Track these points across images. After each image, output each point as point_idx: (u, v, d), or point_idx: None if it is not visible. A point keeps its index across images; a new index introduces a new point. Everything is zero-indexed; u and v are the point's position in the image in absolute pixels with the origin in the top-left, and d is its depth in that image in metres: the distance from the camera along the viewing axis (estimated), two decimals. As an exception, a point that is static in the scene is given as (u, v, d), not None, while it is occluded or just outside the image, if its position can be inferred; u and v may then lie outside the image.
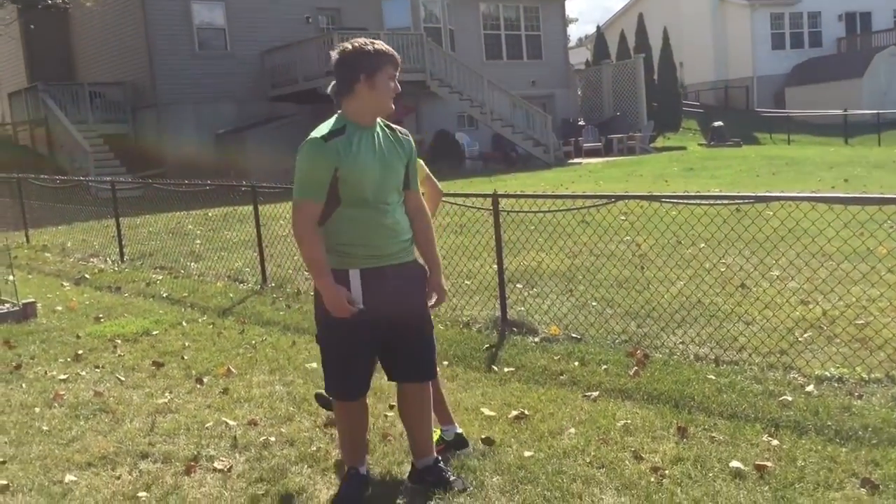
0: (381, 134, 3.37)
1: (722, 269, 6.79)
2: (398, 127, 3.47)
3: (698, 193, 6.36)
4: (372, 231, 3.30)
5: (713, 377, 4.68)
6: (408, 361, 3.49)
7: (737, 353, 5.09)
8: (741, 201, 5.86)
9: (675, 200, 5.75)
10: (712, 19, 37.93)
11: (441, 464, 3.59)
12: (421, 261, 3.54)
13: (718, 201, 5.97)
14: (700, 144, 29.39)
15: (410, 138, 3.50)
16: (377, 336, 3.39)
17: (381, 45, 3.32)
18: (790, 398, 4.28)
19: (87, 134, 20.72)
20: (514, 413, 4.31)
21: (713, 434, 3.92)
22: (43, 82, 21.98)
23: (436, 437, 3.81)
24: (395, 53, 3.34)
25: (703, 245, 7.09)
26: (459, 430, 3.95)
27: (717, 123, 30.09)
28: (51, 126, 21.30)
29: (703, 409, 4.26)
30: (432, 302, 3.53)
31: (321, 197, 3.26)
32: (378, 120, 3.39)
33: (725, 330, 5.47)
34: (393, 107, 3.36)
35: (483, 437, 4.01)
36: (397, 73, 3.33)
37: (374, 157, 3.28)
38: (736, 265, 6.56)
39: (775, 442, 3.78)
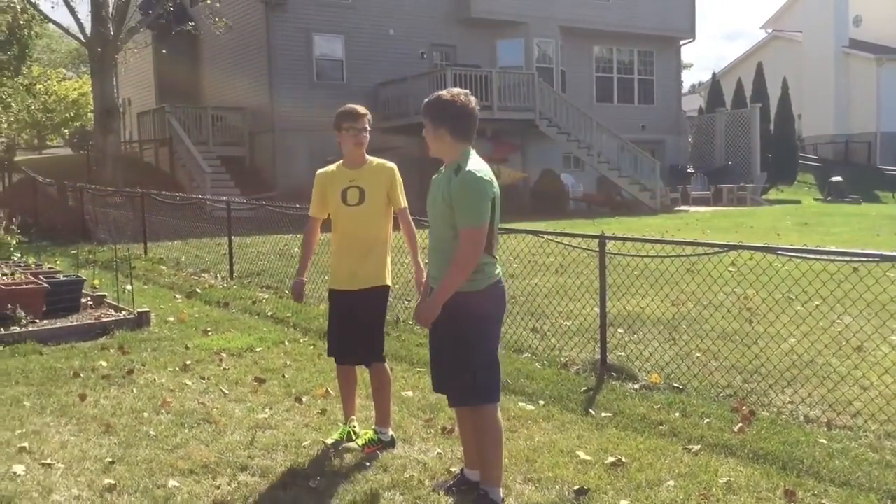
0: (447, 173, 3.62)
1: (838, 330, 6.48)
2: (467, 168, 3.53)
3: (817, 248, 6.11)
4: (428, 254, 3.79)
5: (824, 441, 4.45)
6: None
7: (851, 418, 4.83)
8: (864, 259, 5.58)
9: (792, 254, 5.54)
10: (835, 71, 36.70)
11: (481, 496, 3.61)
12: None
13: (838, 258, 5.71)
14: (816, 199, 28.34)
15: (460, 177, 3.49)
16: (432, 343, 3.79)
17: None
18: (909, 471, 4.02)
19: (207, 155, 21.68)
20: (611, 459, 4.21)
21: (823, 501, 3.72)
22: (170, 104, 23.19)
23: (370, 435, 4.42)
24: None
25: (818, 303, 6.79)
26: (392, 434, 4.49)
27: (836, 178, 28.99)
28: (174, 146, 22.42)
29: (812, 473, 4.05)
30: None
31: None
32: (461, 160, 3.57)
33: (840, 393, 5.19)
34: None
35: (578, 481, 3.93)
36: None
37: (431, 192, 3.69)
38: (854, 326, 6.25)
39: (892, 516, 3.56)
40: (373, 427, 4.52)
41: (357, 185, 4.38)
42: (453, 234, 3.52)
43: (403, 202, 4.50)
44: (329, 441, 4.46)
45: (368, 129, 4.41)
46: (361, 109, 4.42)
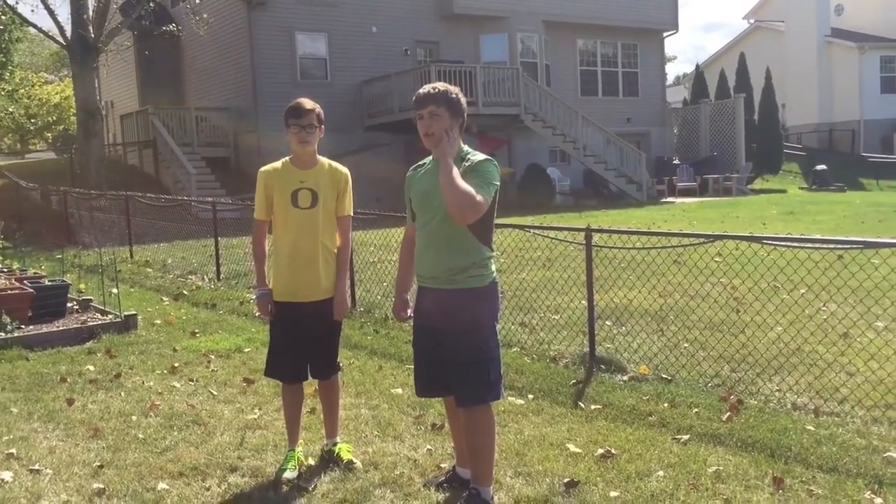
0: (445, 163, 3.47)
1: (824, 317, 6.52)
2: (480, 157, 3.51)
3: (802, 236, 6.14)
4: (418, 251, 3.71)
5: (812, 428, 4.48)
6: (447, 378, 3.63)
7: (838, 404, 4.86)
8: (848, 246, 5.62)
9: (777, 243, 5.56)
10: (818, 61, 36.88)
11: (472, 495, 3.57)
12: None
13: (823, 245, 5.75)
14: (801, 188, 28.50)
15: (479, 160, 3.47)
16: (427, 346, 3.67)
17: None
18: (896, 455, 4.06)
19: (191, 156, 21.58)
20: (601, 451, 4.22)
21: (811, 487, 3.74)
22: (153, 106, 23.06)
23: (349, 447, 4.25)
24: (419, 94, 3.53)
25: (803, 291, 6.83)
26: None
27: (820, 167, 29.16)
28: (158, 147, 22.31)
29: (800, 460, 4.07)
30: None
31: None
32: (462, 152, 3.54)
33: (826, 380, 5.23)
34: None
35: (569, 473, 3.94)
36: (423, 112, 3.48)
37: (422, 186, 3.64)
38: (840, 313, 6.29)
39: (879, 500, 3.58)
40: (334, 441, 4.26)
41: (309, 188, 4.05)
42: (460, 230, 3.43)
43: (351, 210, 4.22)
44: (291, 476, 3.96)
45: (317, 125, 4.06)
46: (308, 105, 4.04)
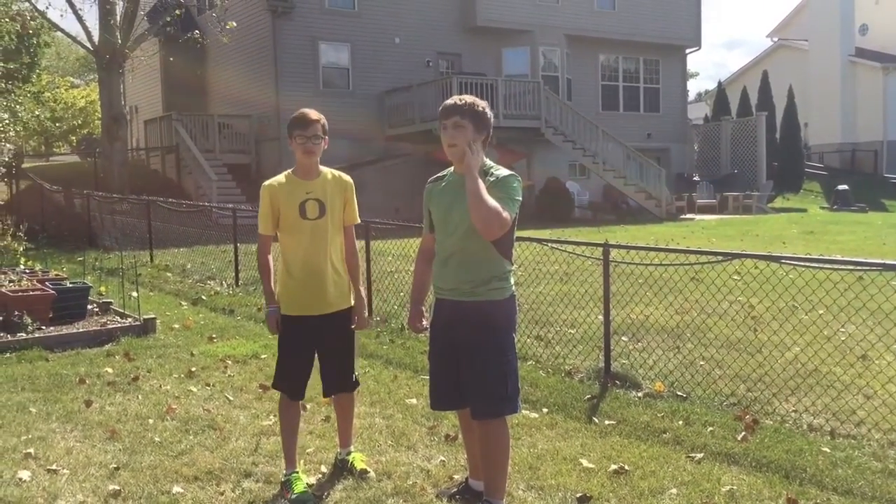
0: (468, 177, 3.43)
1: (842, 338, 6.48)
2: (504, 173, 3.51)
3: (821, 257, 6.11)
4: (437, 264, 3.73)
5: (828, 450, 4.45)
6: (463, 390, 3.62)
7: (855, 426, 4.83)
8: (867, 268, 5.59)
9: (795, 263, 5.54)
10: (842, 80, 36.65)
11: None
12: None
13: (842, 266, 5.72)
14: (822, 208, 28.30)
15: (504, 175, 3.47)
16: (444, 358, 3.66)
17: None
18: (912, 480, 4.02)
19: (213, 162, 21.76)
20: (614, 467, 4.21)
21: (826, 510, 3.72)
22: (177, 112, 23.29)
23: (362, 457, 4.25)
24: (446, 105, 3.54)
25: (822, 311, 6.79)
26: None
27: (842, 187, 28.93)
28: (181, 153, 22.51)
29: (815, 482, 4.05)
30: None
31: None
32: (485, 166, 3.50)
33: (843, 402, 5.19)
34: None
35: (581, 488, 3.94)
36: (447, 123, 3.49)
37: (445, 200, 3.63)
38: (858, 334, 6.25)
39: (895, 525, 3.56)
40: (348, 450, 4.27)
41: (316, 198, 4.01)
42: (482, 243, 3.43)
43: (358, 217, 4.21)
44: (311, 497, 3.87)
45: (322, 136, 3.98)
46: (313, 115, 3.96)
